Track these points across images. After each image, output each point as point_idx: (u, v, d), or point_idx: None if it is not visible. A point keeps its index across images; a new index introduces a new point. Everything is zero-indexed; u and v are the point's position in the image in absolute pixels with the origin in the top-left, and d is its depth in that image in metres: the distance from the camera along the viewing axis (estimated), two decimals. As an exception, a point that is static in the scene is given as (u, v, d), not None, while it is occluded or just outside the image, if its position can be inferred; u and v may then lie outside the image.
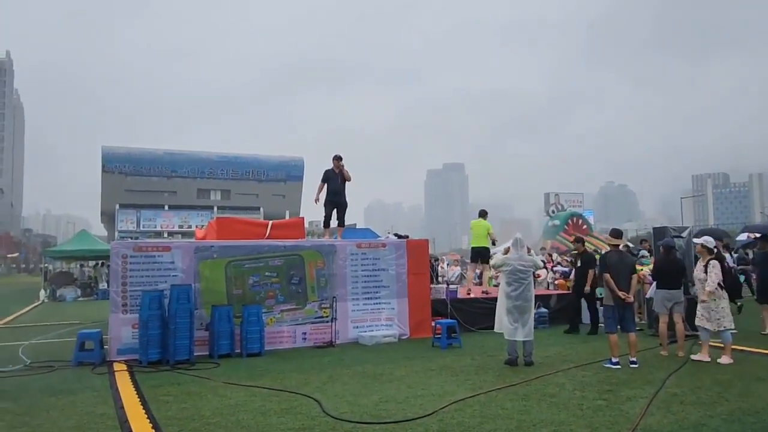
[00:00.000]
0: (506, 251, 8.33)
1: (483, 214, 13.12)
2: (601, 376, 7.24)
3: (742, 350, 8.60)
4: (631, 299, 7.91)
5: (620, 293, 7.76)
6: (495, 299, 8.68)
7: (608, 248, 8.85)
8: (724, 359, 7.81)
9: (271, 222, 11.88)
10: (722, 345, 7.99)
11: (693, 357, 8.10)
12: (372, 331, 10.51)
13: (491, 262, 9.33)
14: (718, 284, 7.95)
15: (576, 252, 12.29)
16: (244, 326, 9.17)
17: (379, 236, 14.12)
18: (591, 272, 10.91)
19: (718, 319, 7.97)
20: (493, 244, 12.29)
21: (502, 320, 8.16)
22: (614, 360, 7.68)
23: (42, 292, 25.91)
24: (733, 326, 8.06)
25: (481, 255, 12.68)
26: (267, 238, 10.88)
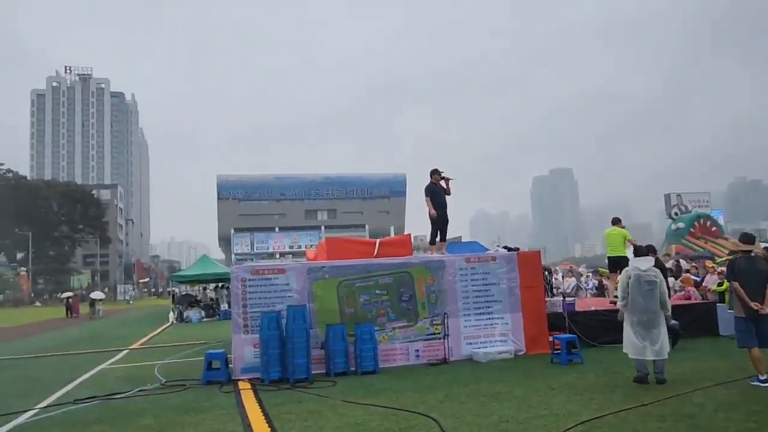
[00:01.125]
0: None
1: (616, 221, 12.50)
2: (748, 395, 6.54)
3: None
4: (766, 310, 7.03)
5: (752, 304, 7.01)
6: (617, 311, 8.15)
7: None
8: None
9: (378, 240, 12.00)
10: None
11: None
12: (486, 347, 10.24)
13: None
14: None
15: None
16: (357, 344, 9.28)
17: (486, 249, 13.80)
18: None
19: None
20: (635, 250, 11.54)
21: (629, 337, 7.62)
22: (762, 378, 6.91)
23: (171, 314, 27.91)
24: None
25: (620, 265, 11.96)
26: (376, 257, 10.99)
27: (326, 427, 5.99)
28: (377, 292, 10.07)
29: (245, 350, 9.34)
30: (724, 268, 12.56)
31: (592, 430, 5.45)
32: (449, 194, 11.60)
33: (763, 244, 8.59)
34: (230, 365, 9.35)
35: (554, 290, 17.82)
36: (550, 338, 9.97)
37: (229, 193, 70.90)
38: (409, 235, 14.43)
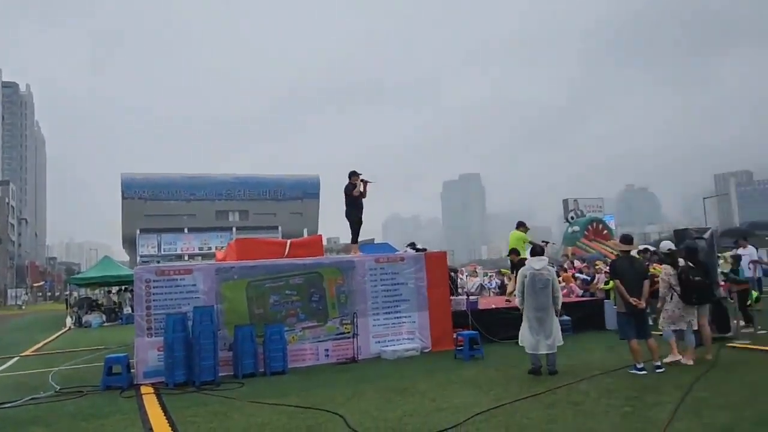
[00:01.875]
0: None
1: (520, 224, 13.14)
2: (627, 382, 7.18)
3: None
4: (643, 305, 7.73)
5: (632, 299, 7.67)
6: (517, 308, 8.67)
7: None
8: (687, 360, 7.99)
9: (289, 241, 12.00)
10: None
11: (666, 360, 8.00)
12: (394, 345, 10.52)
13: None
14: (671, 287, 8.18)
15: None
16: (266, 345, 9.25)
17: (397, 250, 14.14)
18: None
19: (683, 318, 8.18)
20: (532, 250, 12.23)
21: (525, 333, 8.13)
22: (639, 366, 7.60)
23: (68, 319, 26.29)
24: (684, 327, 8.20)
25: (518, 267, 12.66)
26: (286, 257, 10.98)
27: (232, 428, 5.97)
28: (287, 292, 10.08)
29: (149, 354, 9.05)
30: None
31: (490, 419, 5.79)
32: (365, 197, 11.77)
33: (642, 246, 9.39)
34: (132, 370, 9.03)
35: (459, 289, 18.50)
36: (455, 335, 10.39)
37: (135, 192, 67.54)
38: (320, 236, 14.52)
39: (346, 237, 12.10)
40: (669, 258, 8.76)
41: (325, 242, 13.90)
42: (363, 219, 12.01)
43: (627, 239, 8.44)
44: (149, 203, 67.34)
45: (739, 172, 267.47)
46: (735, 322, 10.37)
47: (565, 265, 18.79)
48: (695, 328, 8.23)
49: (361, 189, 11.62)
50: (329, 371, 9.32)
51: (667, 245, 9.28)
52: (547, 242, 12.52)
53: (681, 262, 8.50)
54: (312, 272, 10.33)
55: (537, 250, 8.56)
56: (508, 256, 12.88)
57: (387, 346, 10.48)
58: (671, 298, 8.29)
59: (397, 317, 10.81)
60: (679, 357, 8.10)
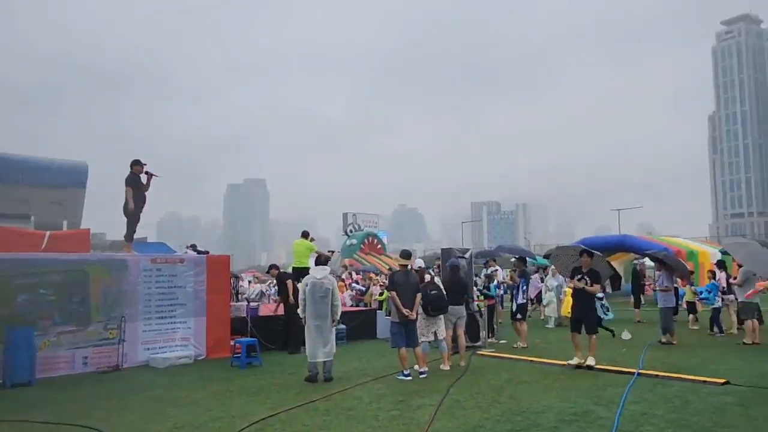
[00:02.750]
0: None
1: (305, 234, 13.17)
2: (395, 387, 7.71)
3: (512, 358, 9.83)
4: (414, 316, 8.38)
5: (405, 310, 8.28)
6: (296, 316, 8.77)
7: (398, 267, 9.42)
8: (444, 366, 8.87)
9: (48, 233, 10.57)
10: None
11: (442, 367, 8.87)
12: (165, 352, 9.88)
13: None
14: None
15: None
16: (8, 352, 8.00)
17: (175, 252, 13.35)
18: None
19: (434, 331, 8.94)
20: (316, 259, 12.39)
21: (306, 340, 8.27)
22: (405, 372, 8.24)
23: None
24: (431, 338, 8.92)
25: (302, 275, 12.76)
26: (43, 251, 9.66)
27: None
28: (42, 291, 8.85)
29: None
30: (386, 280, 14.58)
31: (265, 428, 5.76)
32: (147, 190, 10.81)
33: (417, 262, 10.22)
34: None
35: (240, 295, 18.13)
36: (232, 342, 10.13)
37: None
38: (88, 229, 13.04)
39: (114, 234, 10.97)
40: (417, 275, 9.57)
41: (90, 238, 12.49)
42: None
43: (406, 254, 9.11)
44: None
45: (490, 202, 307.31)
46: (483, 333, 11.81)
47: (343, 276, 19.59)
48: (441, 337, 9.01)
49: (144, 181, 10.71)
50: (89, 381, 8.39)
51: (419, 263, 10.10)
52: (332, 251, 12.95)
53: (427, 277, 9.37)
54: (75, 269, 9.24)
55: (321, 260, 8.80)
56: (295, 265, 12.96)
57: (157, 353, 9.81)
58: None
59: (172, 323, 10.19)
60: (448, 365, 8.92)
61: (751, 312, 11.24)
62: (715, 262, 15.81)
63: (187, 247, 12.78)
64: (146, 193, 10.78)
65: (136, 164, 10.53)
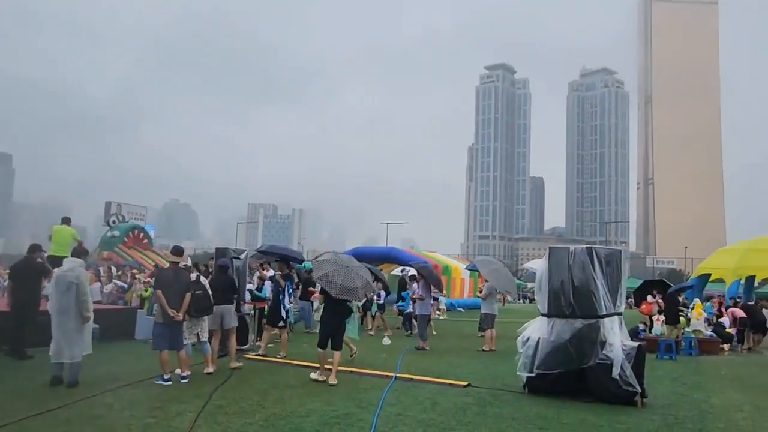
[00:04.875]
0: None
1: (66, 220, 11.66)
2: (152, 393, 7.16)
3: (279, 362, 9.82)
4: (181, 317, 7.87)
5: (171, 311, 7.73)
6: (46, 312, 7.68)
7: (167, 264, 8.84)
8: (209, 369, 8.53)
9: None
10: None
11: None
12: None
13: None
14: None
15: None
16: None
17: None
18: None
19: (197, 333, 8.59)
20: (74, 250, 10.86)
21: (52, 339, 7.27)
22: (166, 377, 7.69)
23: None
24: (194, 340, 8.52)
25: (59, 265, 11.15)
26: None
27: None
28: None
29: None
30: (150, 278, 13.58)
31: (-14, 442, 4.89)
32: None
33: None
34: None
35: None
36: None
37: None
38: None
39: None
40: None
41: None
42: None
43: (178, 251, 8.56)
44: None
45: (268, 204, 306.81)
46: (253, 336, 11.63)
47: (101, 270, 17.74)
48: (205, 338, 8.62)
49: None
50: None
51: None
52: (81, 240, 11.68)
53: (192, 276, 8.91)
54: None
55: (80, 251, 7.86)
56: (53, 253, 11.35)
57: None
58: None
59: None
60: (212, 368, 8.52)
61: (490, 322, 12.90)
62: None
63: None
64: None
65: None
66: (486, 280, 13.39)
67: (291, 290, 11.62)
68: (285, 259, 11.98)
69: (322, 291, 8.46)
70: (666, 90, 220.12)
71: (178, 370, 7.90)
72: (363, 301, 12.09)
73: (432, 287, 13.23)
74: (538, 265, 8.82)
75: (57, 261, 11.24)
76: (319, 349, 8.34)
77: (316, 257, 9.76)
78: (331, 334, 8.32)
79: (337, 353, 8.30)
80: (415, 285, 14.35)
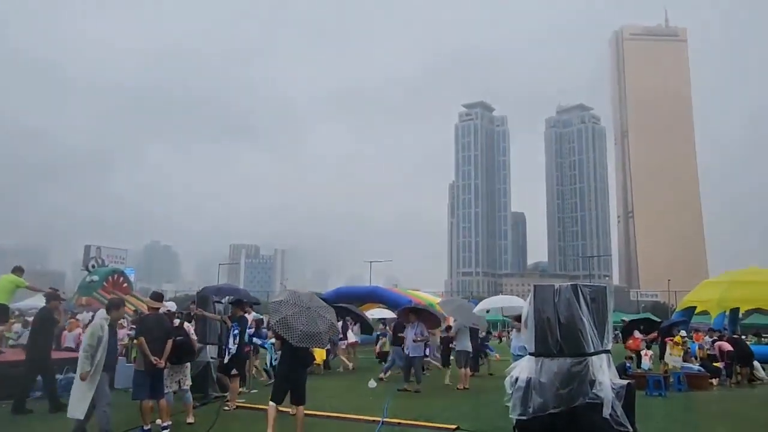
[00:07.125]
0: None
1: (18, 269, 11.34)
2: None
3: (263, 408, 9.54)
4: (163, 364, 7.66)
5: (153, 358, 7.51)
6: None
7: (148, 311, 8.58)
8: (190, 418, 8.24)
9: None
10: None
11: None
12: None
13: None
14: None
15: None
16: None
17: None
18: None
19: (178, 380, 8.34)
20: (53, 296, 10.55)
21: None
22: (146, 428, 7.43)
23: None
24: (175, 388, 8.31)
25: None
26: None
27: None
28: None
29: None
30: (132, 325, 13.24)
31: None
32: None
33: (169, 304, 9.47)
34: None
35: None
36: None
37: None
38: None
39: None
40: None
41: None
42: None
43: (157, 296, 8.40)
44: None
45: (250, 245, 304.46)
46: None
47: (79, 317, 17.30)
48: (186, 387, 8.37)
49: None
50: None
51: (170, 305, 9.45)
52: (56, 290, 11.33)
53: (176, 322, 8.70)
54: None
55: (51, 296, 7.64)
56: None
57: None
58: None
59: None
60: (193, 418, 8.23)
61: (464, 360, 12.88)
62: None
63: None
64: None
65: None
66: (454, 319, 13.49)
67: (237, 331, 9.90)
68: (237, 301, 10.91)
69: (279, 337, 7.31)
70: (641, 124, 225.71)
71: (158, 420, 7.64)
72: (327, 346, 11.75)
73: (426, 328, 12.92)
74: (523, 303, 8.81)
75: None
76: (272, 403, 7.07)
77: (273, 300, 8.22)
78: (292, 388, 7.23)
79: (300, 409, 7.23)
80: (409, 328, 12.79)
